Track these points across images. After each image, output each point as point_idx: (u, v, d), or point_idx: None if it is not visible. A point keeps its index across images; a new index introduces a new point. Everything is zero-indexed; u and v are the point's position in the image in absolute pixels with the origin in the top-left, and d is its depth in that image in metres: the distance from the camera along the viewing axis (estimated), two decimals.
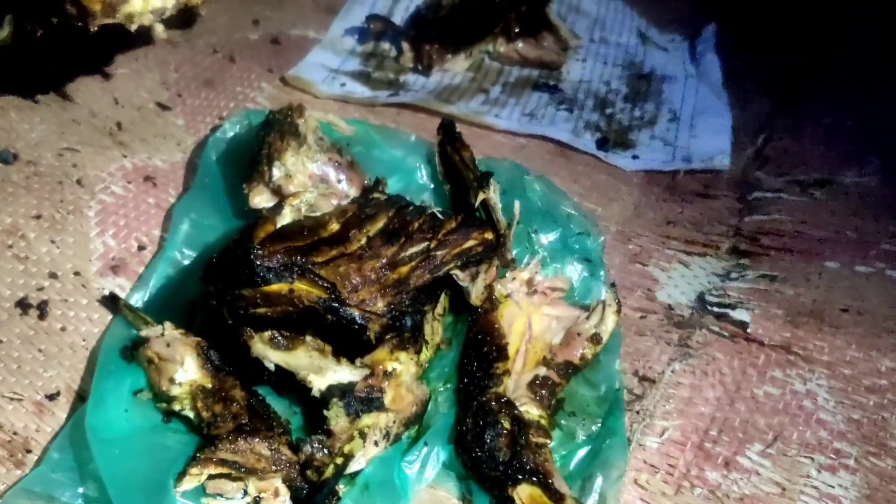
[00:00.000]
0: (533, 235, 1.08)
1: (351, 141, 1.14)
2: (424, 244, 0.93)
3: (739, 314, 1.05)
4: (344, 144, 1.10)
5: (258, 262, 0.82)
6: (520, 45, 1.50)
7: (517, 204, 1.02)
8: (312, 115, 1.07)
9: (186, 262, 1.01)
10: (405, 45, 1.45)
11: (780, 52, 1.54)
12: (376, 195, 1.01)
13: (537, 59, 1.50)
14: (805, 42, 1.54)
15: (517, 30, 1.49)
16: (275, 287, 0.82)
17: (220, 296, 0.85)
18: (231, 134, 1.13)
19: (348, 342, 0.87)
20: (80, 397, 0.89)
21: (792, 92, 1.45)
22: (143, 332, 0.89)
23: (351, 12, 1.52)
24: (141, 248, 1.05)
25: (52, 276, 0.99)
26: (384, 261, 0.90)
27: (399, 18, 1.51)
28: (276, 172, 0.99)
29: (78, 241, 1.03)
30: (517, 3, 1.48)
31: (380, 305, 0.89)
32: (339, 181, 1.04)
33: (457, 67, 1.46)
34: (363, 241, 0.91)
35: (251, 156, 1.03)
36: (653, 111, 1.45)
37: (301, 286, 0.83)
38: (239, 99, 1.28)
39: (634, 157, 1.32)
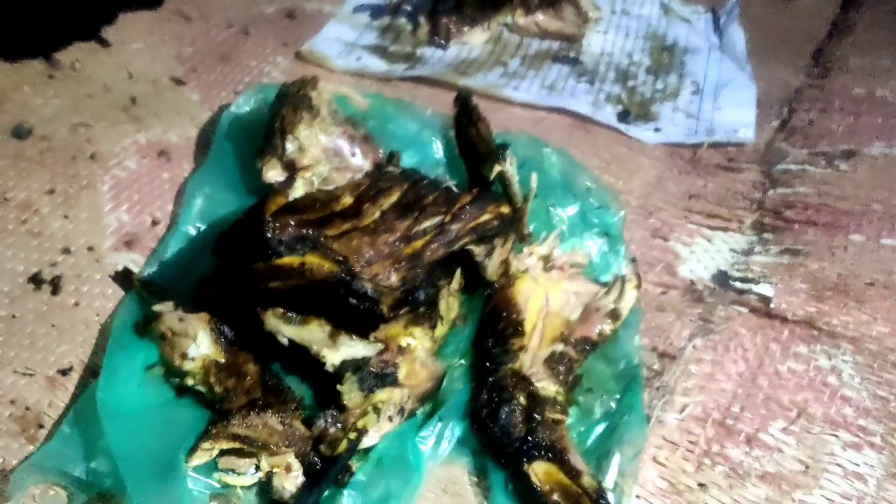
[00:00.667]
0: (551, 209, 1.06)
1: (366, 115, 1.12)
2: (439, 218, 0.92)
3: (762, 289, 1.02)
4: (359, 118, 1.09)
5: (270, 235, 0.81)
6: (539, 16, 1.47)
7: (534, 177, 1.00)
8: (326, 87, 1.05)
9: (200, 237, 1.00)
10: (422, 19, 1.43)
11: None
12: (390, 169, 1.00)
13: (557, 31, 1.47)
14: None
15: (536, 1, 1.47)
16: (287, 260, 0.81)
17: (232, 269, 0.84)
18: (245, 108, 1.12)
19: (360, 316, 0.85)
20: (93, 372, 0.89)
21: (821, 62, 1.41)
22: (156, 308, 0.88)
23: None
24: (154, 223, 1.04)
25: (66, 251, 0.99)
26: (398, 235, 0.89)
27: None
28: (290, 146, 0.98)
29: (91, 216, 1.02)
30: None
31: (393, 280, 0.87)
32: (353, 155, 1.02)
33: (475, 40, 1.44)
34: (377, 214, 0.90)
35: (265, 129, 1.02)
36: (675, 83, 1.41)
37: (313, 259, 0.82)
38: (254, 73, 1.27)
39: (656, 129, 1.30)
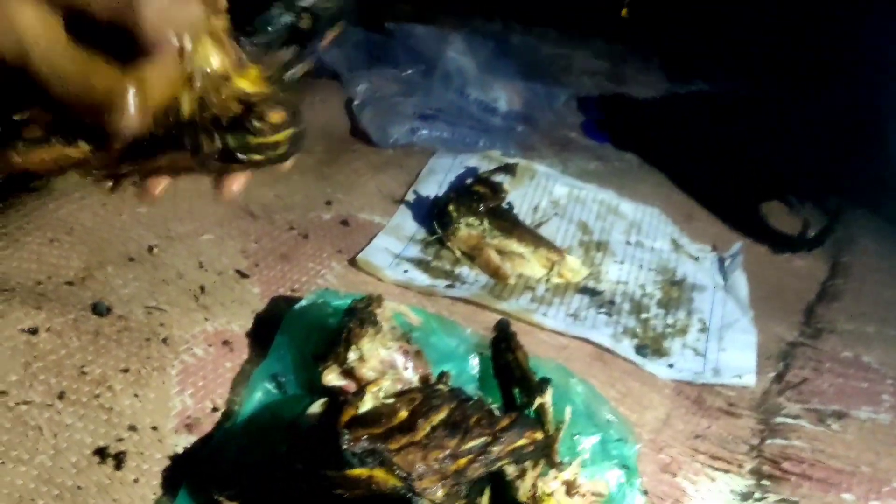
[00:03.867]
0: (575, 437, 1.16)
1: (413, 328, 1.24)
2: (483, 439, 1.02)
3: None
4: (409, 332, 1.20)
5: (345, 447, 0.90)
6: None
7: (568, 410, 1.11)
8: (389, 305, 1.17)
9: (256, 429, 1.09)
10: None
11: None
12: (440, 386, 1.10)
13: None
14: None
15: None
16: (356, 472, 0.90)
17: (304, 473, 0.93)
18: (306, 310, 1.23)
19: None
20: None
21: (812, 322, 1.57)
22: (215, 494, 0.96)
23: (413, 202, 1.65)
24: (214, 409, 1.13)
25: (132, 428, 1.06)
26: (447, 452, 0.98)
27: None
28: (352, 355, 1.09)
29: (159, 397, 1.11)
30: None
31: (439, 494, 0.96)
32: (406, 368, 1.13)
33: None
34: (428, 429, 1.00)
35: (330, 337, 1.13)
36: (684, 319, 1.54)
37: (379, 473, 0.91)
38: (310, 275, 1.39)
39: (670, 365, 1.41)
